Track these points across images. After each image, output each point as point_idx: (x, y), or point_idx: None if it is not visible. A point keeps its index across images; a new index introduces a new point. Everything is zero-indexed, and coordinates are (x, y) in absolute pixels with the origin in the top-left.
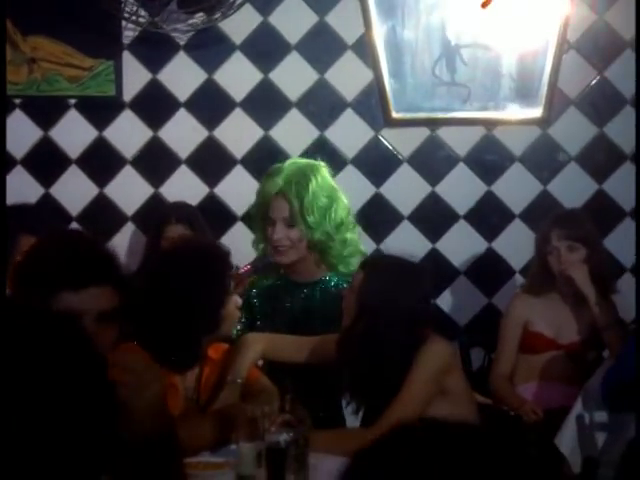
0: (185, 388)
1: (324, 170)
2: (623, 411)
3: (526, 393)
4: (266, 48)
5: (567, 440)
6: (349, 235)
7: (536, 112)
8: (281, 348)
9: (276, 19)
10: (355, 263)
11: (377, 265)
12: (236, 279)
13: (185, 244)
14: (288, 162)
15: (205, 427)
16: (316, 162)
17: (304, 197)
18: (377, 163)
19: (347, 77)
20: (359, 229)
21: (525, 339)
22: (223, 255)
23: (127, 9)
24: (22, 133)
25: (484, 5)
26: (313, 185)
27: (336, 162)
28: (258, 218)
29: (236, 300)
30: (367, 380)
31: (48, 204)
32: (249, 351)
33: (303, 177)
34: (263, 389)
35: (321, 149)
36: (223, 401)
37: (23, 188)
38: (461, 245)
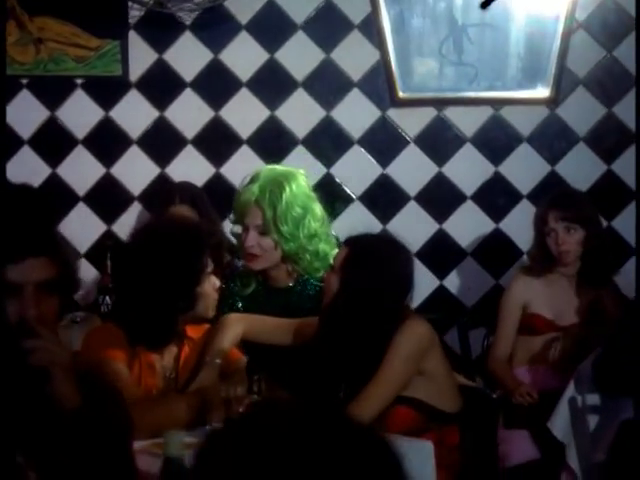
0: (163, 367)
1: (301, 178)
2: (614, 393)
3: (524, 375)
4: (272, 28)
5: (560, 423)
6: (321, 246)
7: (544, 92)
8: (261, 329)
9: None
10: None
11: (359, 242)
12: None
13: (163, 220)
14: (266, 169)
15: (180, 407)
16: (294, 170)
17: (277, 206)
18: (383, 143)
19: (353, 57)
20: (365, 209)
21: (524, 320)
22: (201, 233)
23: None
24: (29, 113)
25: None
26: (287, 194)
27: (342, 142)
28: (235, 228)
29: (214, 282)
30: (346, 358)
31: (55, 183)
32: (229, 331)
33: (278, 186)
34: (242, 370)
35: (327, 129)
36: (201, 381)
37: (30, 168)
38: (468, 226)
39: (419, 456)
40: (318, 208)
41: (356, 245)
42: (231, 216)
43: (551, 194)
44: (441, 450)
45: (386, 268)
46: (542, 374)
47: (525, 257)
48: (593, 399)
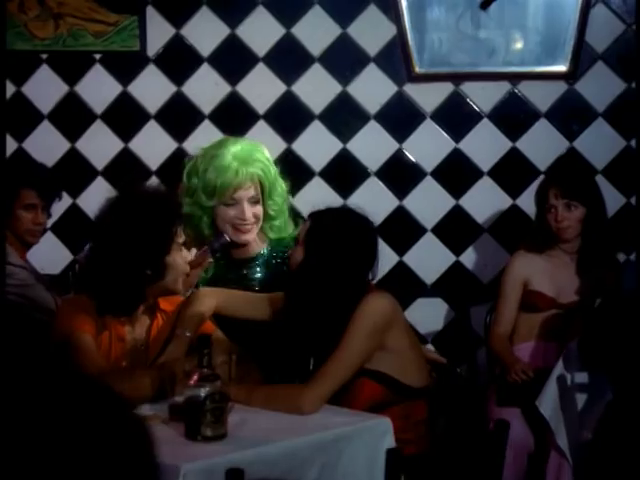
0: (134, 339)
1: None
2: (596, 372)
3: (525, 352)
4: (289, 3)
5: (548, 401)
6: (285, 206)
7: (562, 67)
8: (233, 303)
9: None
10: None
11: (323, 215)
12: (195, 261)
13: (133, 190)
14: (236, 146)
15: (144, 381)
16: (255, 142)
17: (269, 176)
18: (400, 118)
19: (370, 31)
20: (381, 184)
21: (525, 297)
22: (169, 203)
23: None
24: (49, 88)
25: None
26: (269, 162)
27: (359, 117)
28: (209, 203)
29: (185, 255)
30: (311, 330)
31: (74, 158)
32: (201, 304)
33: (261, 156)
34: (216, 343)
35: (344, 104)
36: (169, 353)
37: (49, 143)
38: (485, 202)
39: (376, 432)
40: None
41: (319, 218)
42: (200, 196)
43: (552, 169)
44: (407, 424)
45: (348, 241)
46: (542, 351)
47: None
48: (581, 377)
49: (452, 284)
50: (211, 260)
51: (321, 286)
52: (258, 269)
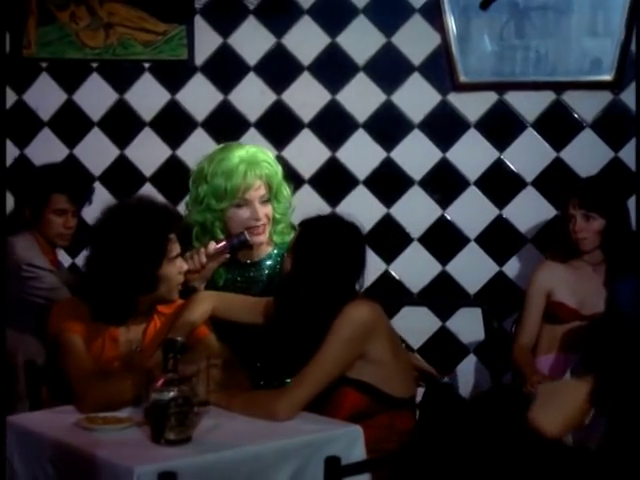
0: (129, 340)
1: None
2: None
3: (545, 364)
4: (334, 12)
5: None
6: (288, 209)
7: (607, 76)
8: (230, 307)
9: None
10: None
11: (312, 224)
12: (214, 254)
13: (129, 203)
14: (241, 149)
15: (126, 384)
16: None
17: (278, 174)
18: (444, 128)
19: (414, 41)
20: (424, 193)
21: (548, 308)
22: (161, 216)
23: None
24: (99, 96)
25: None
26: (274, 163)
27: (403, 126)
28: (220, 206)
29: (180, 265)
30: (296, 338)
31: (122, 165)
32: (196, 309)
33: (266, 157)
34: (206, 347)
35: (388, 113)
36: (157, 358)
37: (100, 149)
38: (528, 212)
39: (345, 440)
40: None
41: (307, 226)
42: (210, 200)
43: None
44: (390, 434)
45: (334, 249)
46: (563, 363)
47: None
48: None
49: (494, 294)
50: (228, 256)
51: (307, 293)
52: (265, 272)
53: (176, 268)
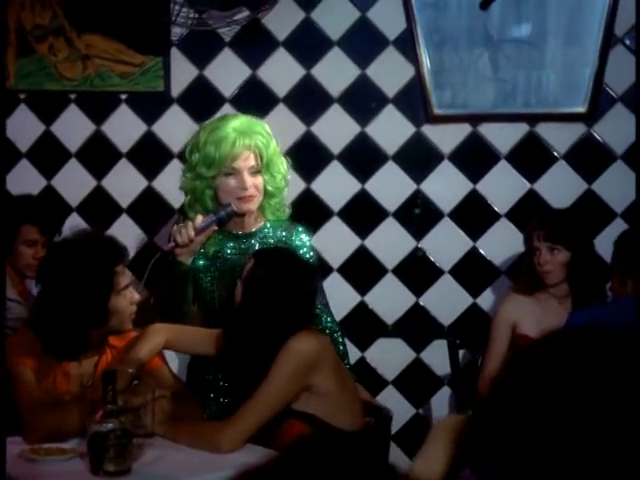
0: (81, 374)
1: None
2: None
3: None
4: (308, 44)
5: None
6: (284, 185)
7: (581, 108)
8: (183, 339)
9: (318, 15)
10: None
11: (266, 256)
12: (202, 228)
13: (73, 238)
14: (236, 120)
15: (73, 415)
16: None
17: (270, 146)
18: (418, 159)
19: (388, 73)
20: (399, 225)
21: (513, 340)
22: (108, 251)
23: (178, 13)
24: (77, 127)
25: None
26: (268, 136)
27: (377, 158)
28: (210, 173)
29: (131, 296)
30: (244, 368)
31: (99, 196)
32: (148, 341)
33: (260, 128)
34: (156, 379)
35: (362, 145)
36: None
37: (77, 180)
38: (502, 244)
39: None
40: None
41: (260, 258)
42: (201, 168)
43: (541, 213)
44: None
45: (283, 284)
46: None
47: None
48: None
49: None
50: (216, 228)
51: (254, 325)
52: (257, 245)
53: (126, 300)
